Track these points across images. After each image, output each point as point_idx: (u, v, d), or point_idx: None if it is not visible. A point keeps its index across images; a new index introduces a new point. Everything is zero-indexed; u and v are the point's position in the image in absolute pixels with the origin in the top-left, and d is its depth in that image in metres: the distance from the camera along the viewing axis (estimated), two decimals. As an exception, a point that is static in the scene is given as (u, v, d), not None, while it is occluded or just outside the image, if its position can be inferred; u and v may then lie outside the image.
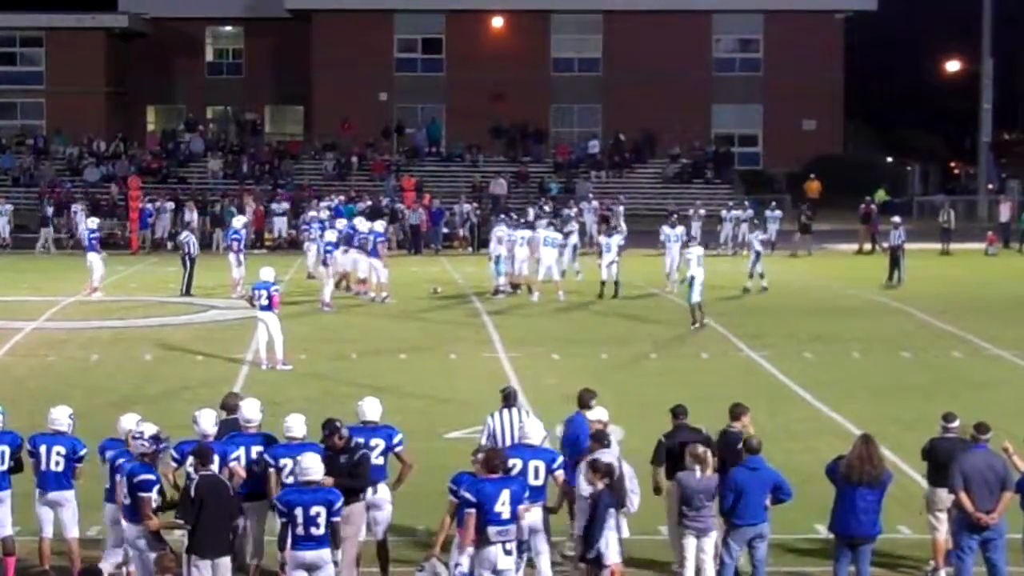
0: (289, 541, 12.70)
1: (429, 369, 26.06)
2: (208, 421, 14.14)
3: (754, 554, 13.91)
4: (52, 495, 14.24)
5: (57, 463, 14.21)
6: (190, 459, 13.41)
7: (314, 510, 12.64)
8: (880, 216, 50.93)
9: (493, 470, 12.90)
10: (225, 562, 12.89)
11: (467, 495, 12.75)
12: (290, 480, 13.66)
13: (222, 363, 26.56)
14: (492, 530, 12.71)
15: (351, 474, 13.47)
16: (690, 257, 31.23)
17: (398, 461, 14.51)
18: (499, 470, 12.93)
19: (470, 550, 12.82)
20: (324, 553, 12.75)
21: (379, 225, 35.96)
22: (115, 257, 46.14)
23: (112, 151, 62.74)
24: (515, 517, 12.78)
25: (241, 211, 46.60)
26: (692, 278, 30.15)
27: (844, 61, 68.34)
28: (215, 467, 13.34)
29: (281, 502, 12.74)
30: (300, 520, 12.62)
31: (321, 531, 12.67)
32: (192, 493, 12.84)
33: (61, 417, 14.51)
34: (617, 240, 35.74)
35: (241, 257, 35.98)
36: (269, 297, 25.45)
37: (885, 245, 39.85)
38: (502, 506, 12.70)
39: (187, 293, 35.83)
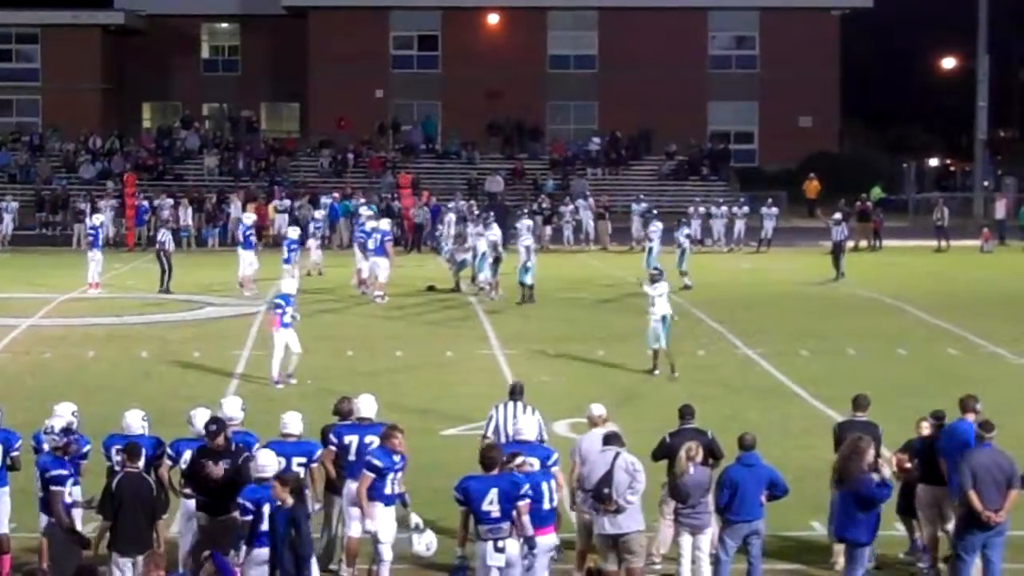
0: (243, 539, 12.79)
1: (425, 366, 26.07)
2: (203, 420, 14.16)
3: (750, 550, 13.94)
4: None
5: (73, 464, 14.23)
6: (117, 456, 13.56)
7: None
8: (874, 212, 51.00)
9: (486, 467, 12.90)
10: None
11: (455, 493, 12.85)
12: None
13: (219, 360, 26.54)
14: (482, 528, 12.77)
15: (235, 480, 13.32)
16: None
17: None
18: (493, 467, 12.89)
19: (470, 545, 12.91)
20: None
21: (384, 224, 35.81)
22: (112, 254, 46.19)
23: (108, 148, 62.64)
24: (507, 515, 12.73)
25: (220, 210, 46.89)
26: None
27: (840, 58, 68.34)
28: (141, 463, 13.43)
29: (250, 500, 12.79)
30: (267, 516, 12.68)
31: None
32: (113, 489, 12.96)
33: (64, 414, 14.53)
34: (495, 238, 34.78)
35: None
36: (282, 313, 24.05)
37: (843, 243, 40.13)
38: (489, 504, 12.69)
39: (166, 291, 35.67)
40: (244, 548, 12.76)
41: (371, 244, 34.42)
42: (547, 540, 13.11)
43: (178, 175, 60.82)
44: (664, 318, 24.64)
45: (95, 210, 45.19)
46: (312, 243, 39.71)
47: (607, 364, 26.01)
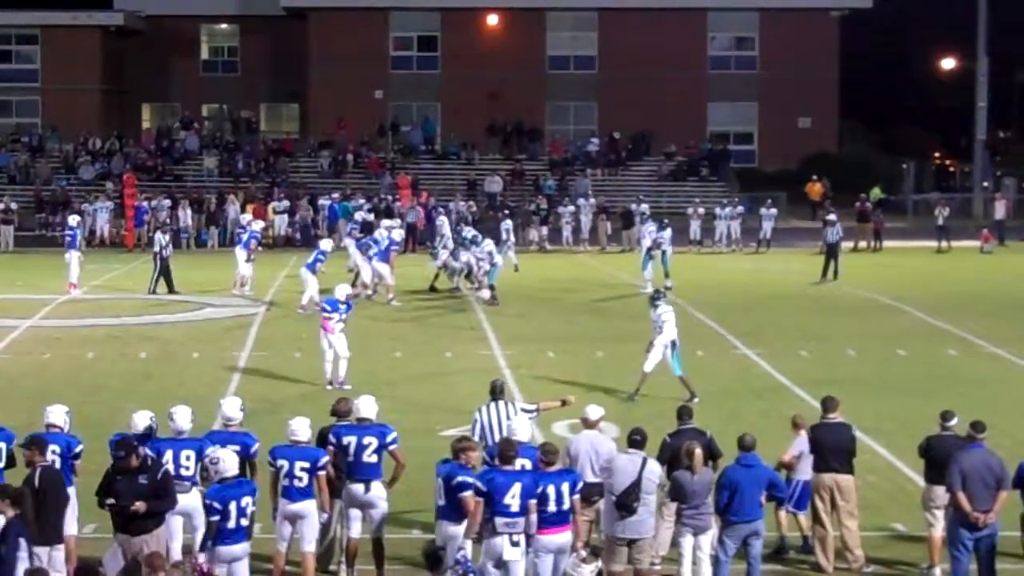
0: (211, 538, 12.85)
1: (424, 367, 26.06)
2: (184, 418, 14.30)
3: (749, 551, 13.94)
4: None
5: (53, 461, 14.19)
6: (25, 450, 13.49)
7: (244, 501, 12.96)
8: (874, 213, 51.00)
9: (507, 461, 13.05)
10: (60, 550, 13.18)
11: (479, 485, 12.85)
12: (286, 482, 14.01)
13: (217, 361, 26.55)
14: (500, 521, 12.78)
15: (157, 495, 13.10)
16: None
17: (392, 459, 14.57)
18: (513, 461, 13.06)
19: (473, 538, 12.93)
20: (246, 545, 13.09)
21: (383, 231, 35.62)
22: (111, 255, 46.20)
23: (107, 149, 62.61)
24: (524, 511, 12.82)
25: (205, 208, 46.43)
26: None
27: (839, 59, 68.36)
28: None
29: (216, 499, 12.87)
30: (233, 514, 12.84)
31: (247, 521, 13.00)
32: (36, 484, 12.98)
33: (57, 416, 14.54)
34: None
35: (251, 256, 35.80)
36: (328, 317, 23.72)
37: (825, 242, 40.23)
38: (512, 498, 12.77)
39: (169, 291, 35.64)
40: (211, 546, 12.83)
41: (375, 248, 34.34)
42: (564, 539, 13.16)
43: (177, 176, 60.79)
44: (674, 344, 23.01)
45: (70, 210, 45.13)
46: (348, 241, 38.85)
47: (606, 364, 25.97)
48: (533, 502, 12.89)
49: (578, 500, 13.11)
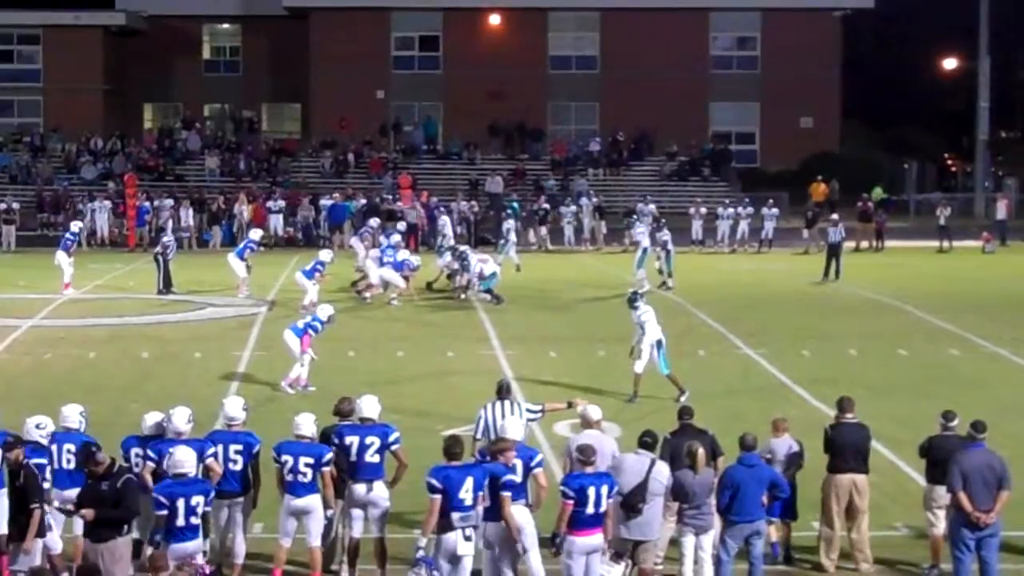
0: (161, 535, 12.86)
1: (426, 366, 26.06)
2: (181, 419, 14.29)
3: (751, 551, 13.95)
4: (68, 492, 14.21)
5: (68, 460, 14.28)
6: (8, 452, 13.45)
7: (194, 500, 12.97)
8: (876, 213, 51.00)
9: (454, 457, 13.11)
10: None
11: (433, 482, 12.91)
12: (291, 477, 14.08)
13: (219, 361, 26.55)
14: (455, 516, 12.86)
15: (115, 503, 12.96)
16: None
17: (395, 459, 14.58)
18: (459, 457, 13.14)
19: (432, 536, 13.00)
20: (199, 543, 13.13)
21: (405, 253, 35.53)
22: (113, 255, 46.24)
23: (109, 149, 62.62)
24: (476, 503, 12.91)
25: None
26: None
27: (841, 59, 68.36)
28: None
29: (164, 495, 12.91)
30: (182, 511, 12.87)
31: (198, 520, 13.03)
32: (39, 480, 13.14)
33: (72, 415, 14.61)
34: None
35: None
36: (303, 331, 23.68)
37: (822, 243, 40.35)
38: (466, 492, 12.87)
39: (166, 291, 35.62)
40: (161, 543, 12.84)
41: (387, 258, 34.29)
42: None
43: (179, 176, 60.80)
44: (659, 343, 22.73)
45: (69, 214, 45.10)
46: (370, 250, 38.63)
47: (608, 364, 25.96)
48: (482, 494, 12.96)
49: (613, 503, 13.13)
